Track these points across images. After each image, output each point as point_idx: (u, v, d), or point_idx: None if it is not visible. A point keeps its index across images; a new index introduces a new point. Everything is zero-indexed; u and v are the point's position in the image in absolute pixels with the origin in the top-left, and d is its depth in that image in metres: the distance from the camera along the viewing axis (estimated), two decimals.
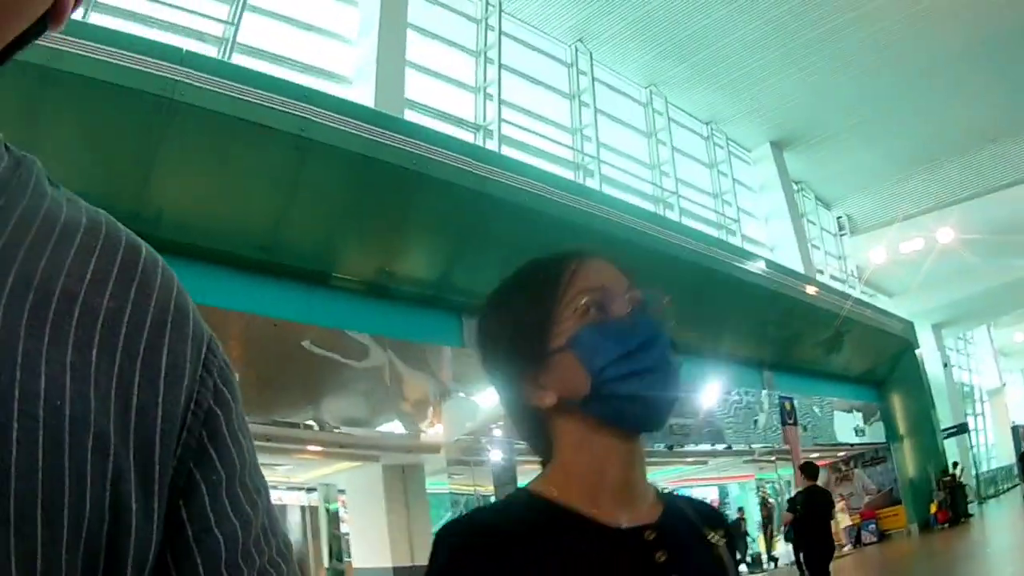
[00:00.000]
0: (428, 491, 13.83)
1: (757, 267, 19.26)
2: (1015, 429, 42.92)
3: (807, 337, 21.02)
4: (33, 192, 0.74)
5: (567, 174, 18.32)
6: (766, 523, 24.03)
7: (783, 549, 20.81)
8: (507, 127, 17.33)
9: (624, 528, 1.33)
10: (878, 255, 28.89)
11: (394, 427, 12.48)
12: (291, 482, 14.52)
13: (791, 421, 19.98)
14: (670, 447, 17.14)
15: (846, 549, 23.06)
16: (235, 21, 13.38)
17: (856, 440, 24.54)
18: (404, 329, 12.55)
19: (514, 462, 13.13)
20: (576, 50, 20.30)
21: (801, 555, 13.01)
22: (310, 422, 11.49)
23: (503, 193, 12.71)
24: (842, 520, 23.92)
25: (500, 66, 17.77)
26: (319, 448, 12.60)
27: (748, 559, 21.90)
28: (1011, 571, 14.79)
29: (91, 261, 0.74)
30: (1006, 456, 40.84)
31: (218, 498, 0.78)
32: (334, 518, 14.53)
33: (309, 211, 11.11)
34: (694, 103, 23.56)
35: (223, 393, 0.82)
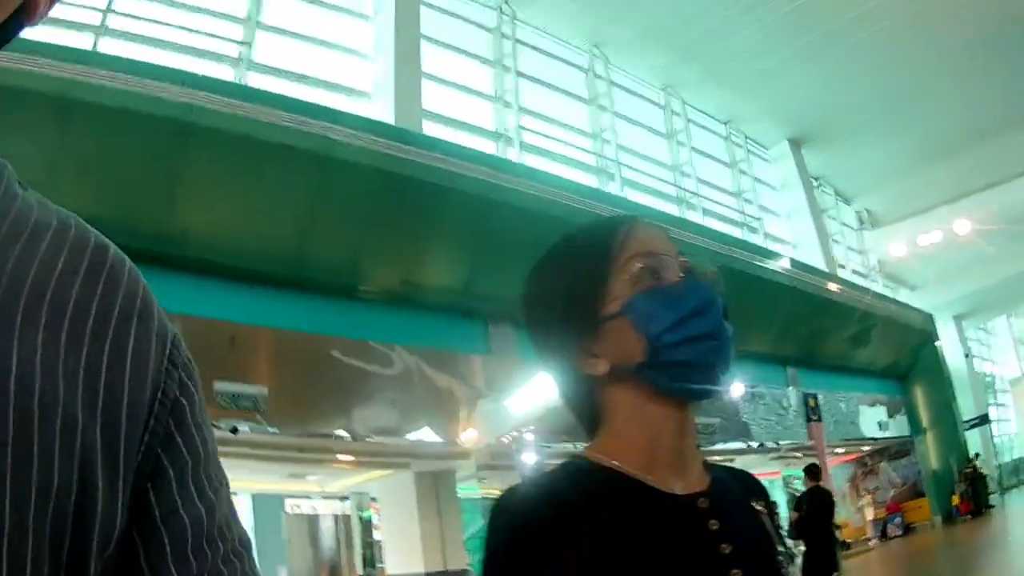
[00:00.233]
0: (459, 496, 13.77)
1: (779, 266, 19.34)
2: None
3: (830, 333, 21.06)
4: (4, 194, 0.77)
5: (588, 178, 18.42)
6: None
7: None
8: (527, 134, 17.34)
9: (679, 495, 1.33)
10: (898, 248, 28.83)
11: (424, 434, 12.48)
12: (324, 492, 14.50)
13: (815, 417, 20.02)
14: (698, 446, 17.14)
15: (872, 543, 23.13)
16: (249, 41, 13.46)
17: (881, 434, 24.50)
18: (431, 337, 12.61)
19: (543, 464, 13.18)
20: (592, 55, 20.31)
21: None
22: (342, 432, 11.51)
23: (524, 201, 12.78)
24: (868, 514, 24.00)
25: (517, 74, 17.84)
26: (351, 458, 12.62)
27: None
28: None
29: (61, 257, 0.77)
30: None
31: (185, 483, 0.81)
32: (367, 526, 14.53)
33: (333, 226, 11.22)
34: (711, 103, 23.54)
35: (188, 386, 0.85)
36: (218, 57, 13.08)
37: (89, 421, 0.72)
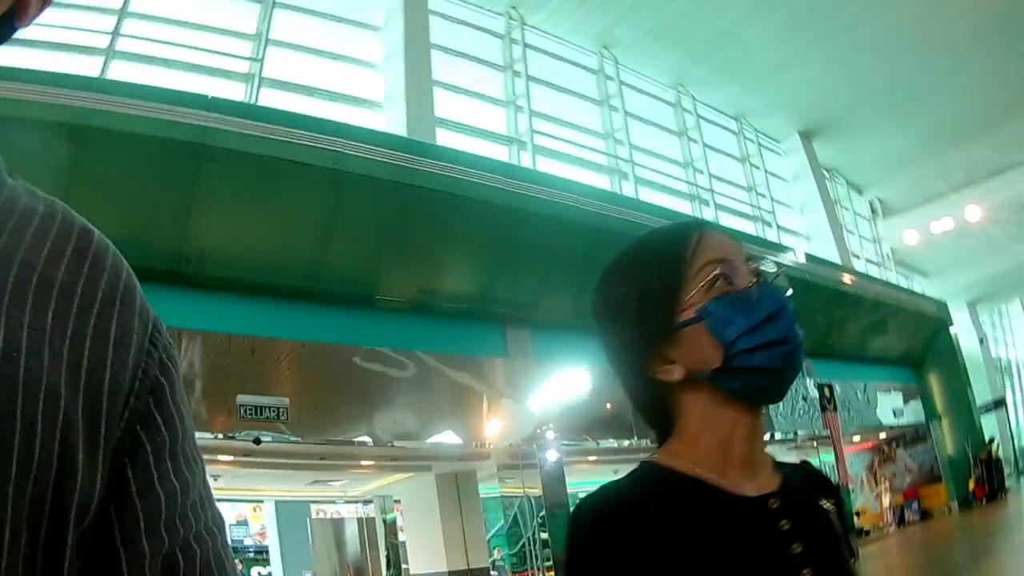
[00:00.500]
0: (480, 496, 13.87)
1: (792, 260, 19.46)
2: None
3: (845, 324, 21.14)
4: None
5: (602, 179, 18.51)
6: None
7: None
8: (540, 137, 17.38)
9: (751, 496, 1.35)
10: (911, 236, 28.85)
11: (445, 437, 12.53)
12: (348, 496, 14.73)
13: (831, 407, 20.11)
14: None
15: (890, 529, 23.23)
16: (260, 57, 13.52)
17: (896, 422, 24.55)
18: (449, 343, 12.72)
19: (562, 464, 13.37)
20: (602, 56, 20.37)
21: None
22: (364, 438, 11.59)
23: (537, 207, 12.89)
24: (885, 500, 24.08)
25: (528, 78, 17.91)
26: (373, 462, 12.79)
27: None
28: None
29: (48, 240, 0.79)
30: None
31: (162, 459, 0.83)
32: (391, 527, 14.70)
33: (349, 239, 11.34)
34: (721, 99, 23.58)
35: (168, 367, 0.87)
36: (229, 75, 13.17)
37: (72, 398, 0.73)
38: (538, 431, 13.15)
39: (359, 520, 14.46)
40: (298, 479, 13.10)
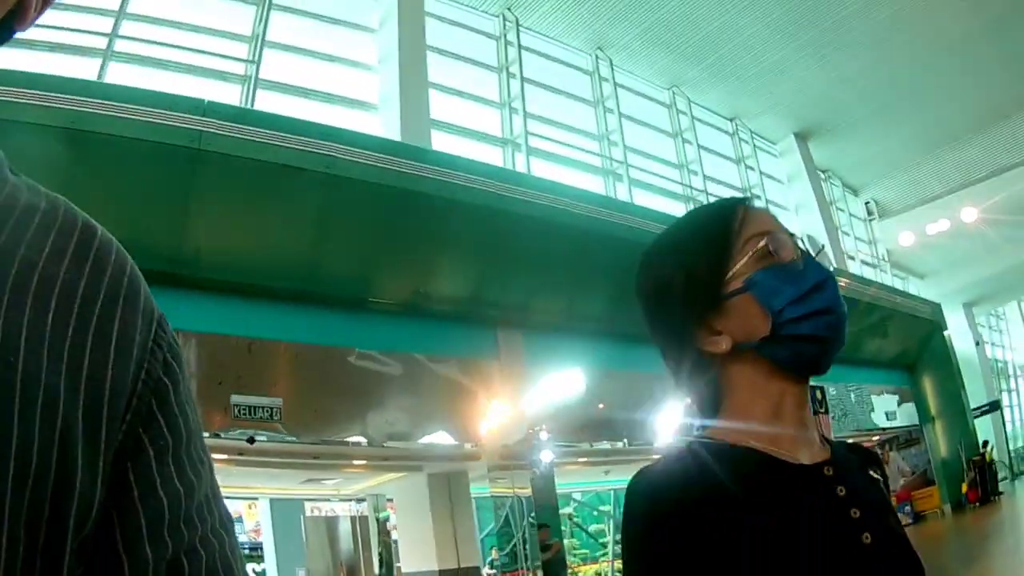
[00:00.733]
0: (472, 496, 13.90)
1: None
2: None
3: None
4: None
5: (596, 181, 18.57)
6: None
7: None
8: (534, 139, 17.40)
9: (808, 464, 1.37)
10: (906, 238, 28.78)
11: (437, 438, 12.58)
12: (341, 494, 14.80)
13: (822, 410, 20.12)
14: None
15: None
16: (256, 59, 13.56)
17: (889, 424, 24.51)
18: (441, 345, 12.81)
19: (552, 465, 13.39)
20: (597, 58, 20.38)
21: None
22: (357, 438, 11.67)
23: (530, 211, 12.91)
24: None
25: (523, 80, 17.91)
26: (366, 462, 12.84)
27: None
28: None
29: (49, 237, 0.77)
30: None
31: (164, 462, 0.80)
32: (384, 526, 14.74)
33: (343, 242, 11.42)
34: (716, 100, 23.56)
35: (172, 366, 0.84)
36: (225, 76, 13.22)
37: (71, 400, 0.71)
38: (529, 432, 13.20)
39: (353, 518, 14.44)
40: (292, 477, 13.16)
